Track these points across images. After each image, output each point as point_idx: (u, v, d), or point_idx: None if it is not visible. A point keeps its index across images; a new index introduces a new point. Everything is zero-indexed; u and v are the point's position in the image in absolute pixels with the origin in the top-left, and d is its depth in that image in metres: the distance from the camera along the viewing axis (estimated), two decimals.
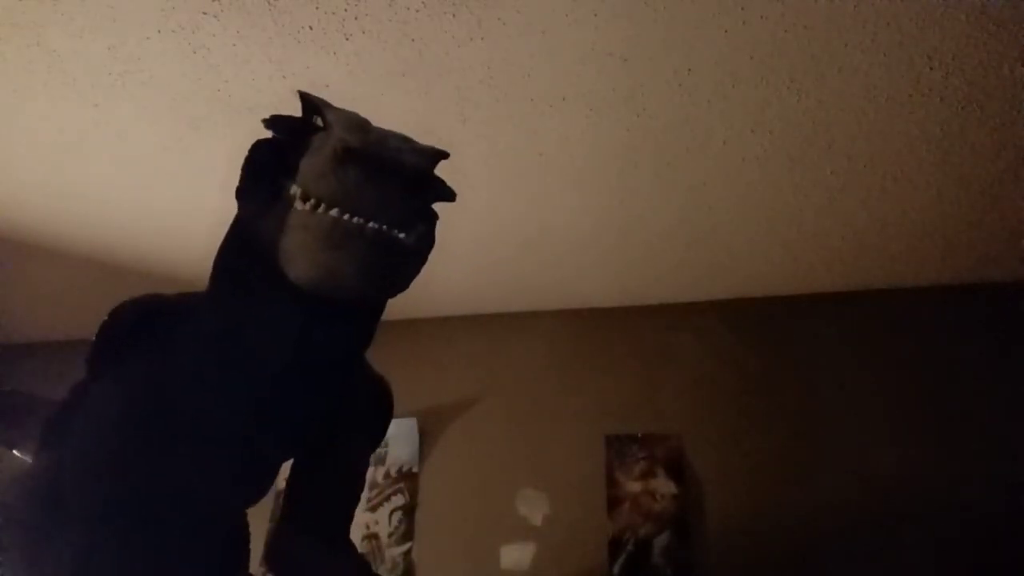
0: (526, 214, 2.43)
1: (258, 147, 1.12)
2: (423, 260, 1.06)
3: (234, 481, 1.15)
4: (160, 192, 2.34)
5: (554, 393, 3.19)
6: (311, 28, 1.60)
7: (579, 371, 3.21)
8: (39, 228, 2.61)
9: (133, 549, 1.04)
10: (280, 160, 1.04)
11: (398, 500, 3.14)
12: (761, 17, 1.55)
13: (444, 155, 1.03)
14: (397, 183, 0.96)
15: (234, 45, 1.65)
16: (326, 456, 1.27)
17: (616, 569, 2.86)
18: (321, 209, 0.94)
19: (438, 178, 1.06)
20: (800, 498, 2.81)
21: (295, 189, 0.98)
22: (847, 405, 2.90)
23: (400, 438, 3.22)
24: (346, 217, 0.93)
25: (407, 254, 1.01)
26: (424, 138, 1.08)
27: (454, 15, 1.56)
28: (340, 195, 0.94)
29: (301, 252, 0.96)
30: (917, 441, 2.79)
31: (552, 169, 2.16)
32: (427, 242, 1.04)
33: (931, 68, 1.69)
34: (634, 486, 2.96)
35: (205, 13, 1.56)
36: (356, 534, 3.09)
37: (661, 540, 2.86)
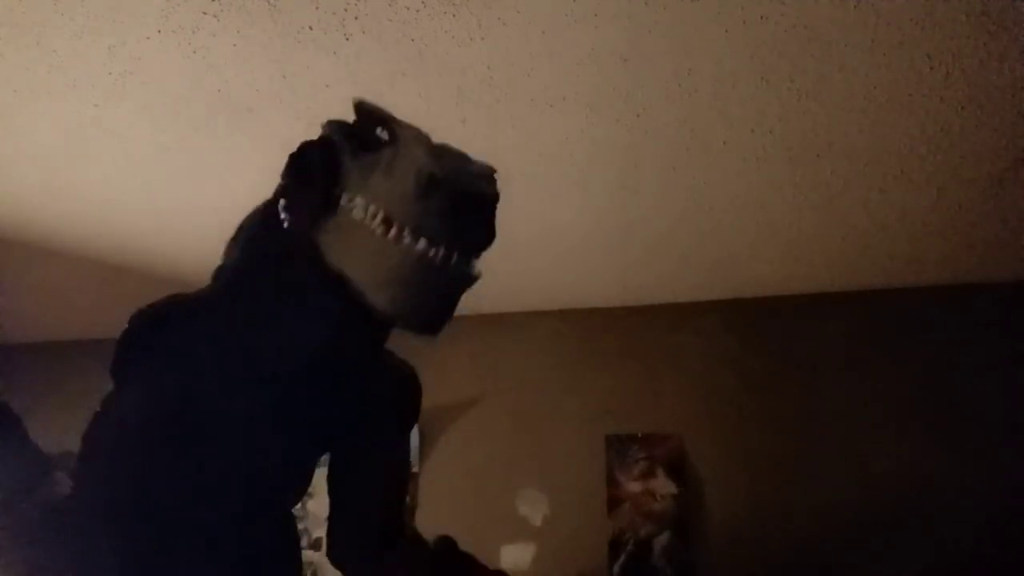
0: (526, 214, 2.43)
1: (308, 149, 1.07)
2: None
3: (264, 482, 1.15)
4: (160, 192, 2.34)
5: (554, 393, 3.20)
6: (311, 28, 1.60)
7: (579, 371, 3.21)
8: (39, 228, 2.61)
9: (166, 557, 1.04)
10: (332, 166, 1.02)
11: None
12: (761, 17, 1.55)
13: (494, 171, 1.03)
14: (474, 213, 0.96)
15: (234, 45, 1.65)
16: (359, 451, 1.27)
17: (616, 569, 2.86)
18: (406, 240, 0.93)
19: None
20: (800, 498, 2.81)
21: (365, 206, 0.96)
22: (847, 405, 2.91)
23: None
24: (432, 252, 0.93)
25: (470, 284, 1.01)
26: None
27: (454, 15, 1.55)
28: (427, 225, 0.93)
29: (383, 282, 0.95)
30: (917, 441, 2.80)
31: (552, 169, 2.16)
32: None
33: (931, 68, 1.69)
34: (634, 486, 2.96)
35: (205, 13, 1.56)
36: None
37: (661, 540, 2.87)
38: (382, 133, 1.02)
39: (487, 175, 1.00)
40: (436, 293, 0.98)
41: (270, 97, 1.83)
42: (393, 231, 0.93)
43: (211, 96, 1.84)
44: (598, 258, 2.79)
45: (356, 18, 1.57)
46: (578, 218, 2.46)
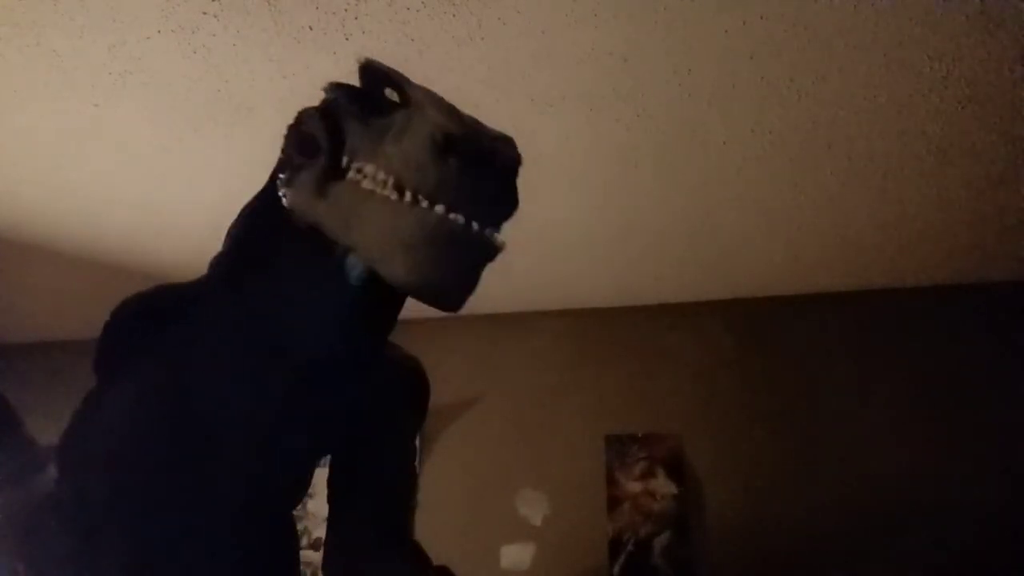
0: (526, 214, 2.42)
1: (307, 116, 1.00)
2: None
3: (265, 482, 1.10)
4: (160, 192, 2.34)
5: (554, 393, 3.20)
6: (311, 28, 1.60)
7: (579, 371, 3.21)
8: (39, 228, 2.61)
9: (165, 558, 1.02)
10: (336, 132, 0.94)
11: None
12: (761, 17, 1.55)
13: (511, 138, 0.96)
14: (494, 177, 0.90)
15: (234, 45, 1.65)
16: (364, 450, 1.19)
17: (616, 569, 2.86)
18: (423, 205, 0.85)
19: None
20: (800, 498, 2.81)
21: (374, 174, 0.88)
22: (847, 405, 2.91)
23: None
24: (452, 216, 0.85)
25: (493, 255, 0.93)
26: None
27: (454, 15, 1.55)
28: (442, 189, 0.85)
29: (398, 250, 0.86)
30: (917, 441, 2.80)
31: (552, 169, 2.16)
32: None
33: (931, 68, 1.69)
34: (634, 486, 2.96)
35: (205, 13, 1.56)
36: None
37: (661, 540, 2.87)
38: (391, 95, 0.95)
39: (507, 139, 0.94)
40: (457, 262, 0.89)
41: (270, 97, 1.83)
42: (408, 196, 0.86)
43: (211, 96, 1.84)
44: (597, 258, 2.79)
45: (356, 18, 1.57)
46: (577, 218, 2.46)
